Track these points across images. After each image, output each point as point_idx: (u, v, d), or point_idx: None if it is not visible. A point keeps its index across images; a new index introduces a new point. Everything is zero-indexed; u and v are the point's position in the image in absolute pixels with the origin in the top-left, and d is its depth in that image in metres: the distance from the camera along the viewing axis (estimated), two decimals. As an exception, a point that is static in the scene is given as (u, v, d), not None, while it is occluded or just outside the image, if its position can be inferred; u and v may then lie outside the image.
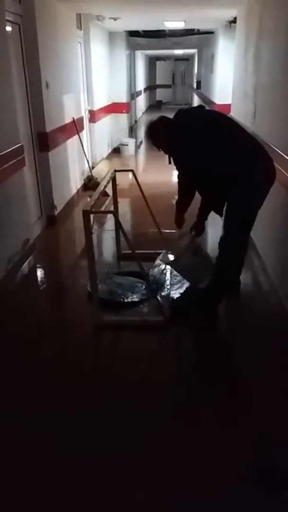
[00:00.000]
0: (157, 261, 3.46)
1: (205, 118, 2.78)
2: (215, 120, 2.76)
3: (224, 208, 2.75)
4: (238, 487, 1.75)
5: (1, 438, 2.01)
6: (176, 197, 2.94)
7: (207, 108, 3.14)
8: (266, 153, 2.63)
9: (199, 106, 2.91)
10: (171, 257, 3.21)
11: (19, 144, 3.65)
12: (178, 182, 2.90)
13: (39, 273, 3.87)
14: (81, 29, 6.49)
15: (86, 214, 2.59)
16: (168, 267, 3.40)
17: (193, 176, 2.74)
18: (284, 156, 2.88)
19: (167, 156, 2.83)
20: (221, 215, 2.82)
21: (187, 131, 2.68)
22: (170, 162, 2.82)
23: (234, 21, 6.20)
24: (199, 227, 3.08)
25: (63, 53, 5.13)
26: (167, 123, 2.82)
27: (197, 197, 2.90)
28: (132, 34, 9.24)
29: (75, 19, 5.94)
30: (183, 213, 3.02)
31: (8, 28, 3.63)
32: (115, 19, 6.67)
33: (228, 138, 2.62)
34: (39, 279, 3.76)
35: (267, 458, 1.88)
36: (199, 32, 8.81)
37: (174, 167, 2.82)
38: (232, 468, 1.83)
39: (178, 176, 2.88)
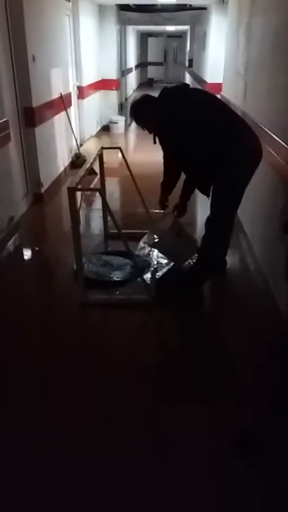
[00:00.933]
0: (141, 243, 3.46)
1: (189, 96, 2.76)
2: (199, 98, 2.74)
3: (211, 188, 2.74)
4: (219, 460, 1.78)
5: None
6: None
7: (191, 86, 3.09)
8: (250, 129, 2.62)
9: (183, 84, 2.88)
10: (155, 238, 3.20)
11: (4, 119, 3.56)
12: (164, 162, 2.87)
13: (25, 251, 3.83)
14: (69, 1, 6.29)
15: (71, 191, 2.55)
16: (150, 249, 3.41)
17: (179, 155, 2.72)
18: (273, 135, 2.85)
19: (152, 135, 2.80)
20: (207, 196, 2.81)
21: (171, 110, 2.64)
22: (155, 142, 2.78)
23: (227, -4, 6.06)
24: (182, 208, 3.07)
25: (50, 26, 4.98)
26: (151, 102, 2.78)
27: (182, 177, 2.88)
28: (123, 8, 9.01)
29: (63, -10, 5.76)
30: (168, 195, 3.01)
31: (-7, -3, 3.50)
32: (105, -9, 6.49)
33: (212, 116, 2.60)
34: (24, 257, 3.72)
35: (248, 431, 1.92)
36: (191, 8, 8.62)
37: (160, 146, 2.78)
38: (214, 442, 1.86)
39: (164, 156, 2.85)
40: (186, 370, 2.33)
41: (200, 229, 2.81)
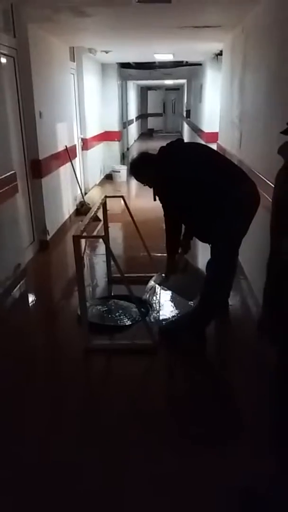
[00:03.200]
0: (151, 283, 3.52)
1: (185, 153, 2.86)
2: (195, 153, 2.86)
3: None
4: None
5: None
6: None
7: (185, 140, 3.23)
8: (248, 178, 2.73)
9: (178, 140, 2.96)
10: (163, 277, 3.27)
11: (12, 172, 3.74)
12: (164, 214, 2.91)
13: (30, 297, 3.90)
14: (74, 61, 6.72)
15: (76, 239, 2.65)
16: (160, 289, 3.46)
17: (178, 211, 2.82)
18: (268, 182, 2.99)
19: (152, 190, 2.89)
20: (208, 243, 2.89)
21: (168, 169, 2.75)
22: (155, 199, 2.89)
23: (220, 53, 6.47)
24: (186, 245, 3.14)
25: (56, 84, 5.31)
26: (149, 161, 2.89)
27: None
28: (124, 65, 9.55)
29: (68, 52, 6.17)
30: (175, 253, 3.02)
31: (3, 60, 3.78)
32: (106, 52, 6.93)
33: (208, 169, 2.70)
34: (30, 303, 3.79)
35: (256, 484, 1.89)
36: (187, 64, 9.12)
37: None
38: (220, 492, 1.84)
39: (163, 209, 2.89)
40: (193, 417, 2.31)
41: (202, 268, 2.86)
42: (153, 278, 3.53)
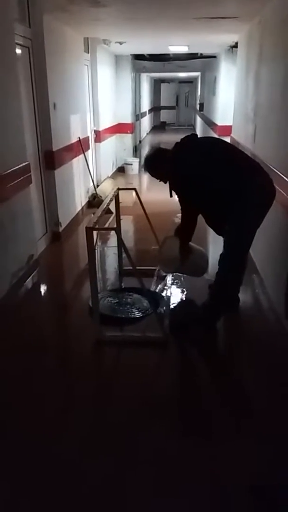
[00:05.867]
0: (155, 277, 3.53)
1: (201, 147, 2.85)
2: (211, 147, 2.83)
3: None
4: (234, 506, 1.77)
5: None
6: (178, 215, 2.99)
7: (200, 133, 3.23)
8: (263, 171, 2.72)
9: (192, 135, 2.95)
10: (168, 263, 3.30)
11: (26, 163, 3.76)
12: (182, 209, 2.93)
13: (42, 288, 3.93)
14: (88, 52, 6.70)
15: (88, 230, 2.66)
16: (169, 280, 3.47)
17: (195, 203, 2.82)
18: (283, 176, 2.96)
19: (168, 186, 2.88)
20: (222, 236, 2.88)
21: (184, 166, 2.75)
22: (171, 195, 2.89)
23: (235, 46, 6.40)
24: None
25: (70, 75, 5.30)
26: (164, 157, 2.88)
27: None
28: (138, 57, 9.50)
29: (82, 43, 6.15)
30: (188, 242, 3.06)
31: (18, 51, 3.78)
32: (121, 43, 6.89)
33: (225, 164, 2.69)
34: (42, 294, 3.82)
35: (266, 478, 1.89)
36: (202, 56, 9.04)
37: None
38: (229, 486, 1.84)
39: (181, 204, 2.90)
40: (200, 407, 2.33)
41: (214, 265, 2.86)
42: (156, 272, 3.56)
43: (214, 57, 9.00)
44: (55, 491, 1.83)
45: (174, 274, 3.67)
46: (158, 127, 20.22)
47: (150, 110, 18.09)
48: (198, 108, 14.99)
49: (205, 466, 1.93)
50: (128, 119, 9.71)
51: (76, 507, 1.76)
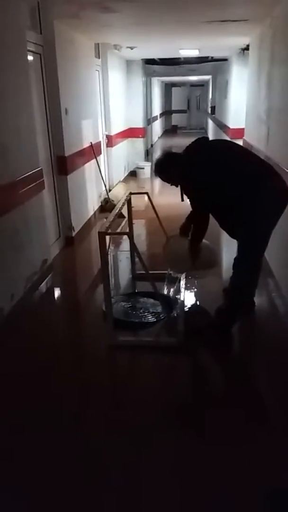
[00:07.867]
0: (166, 281, 3.51)
1: (212, 153, 2.80)
2: (222, 152, 2.80)
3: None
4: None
5: (12, 456, 2.04)
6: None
7: (211, 135, 3.20)
8: (277, 174, 2.68)
9: (204, 138, 2.91)
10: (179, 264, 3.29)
11: (39, 168, 3.78)
12: (193, 211, 2.91)
13: (56, 292, 3.94)
14: (99, 58, 6.74)
15: (101, 235, 2.66)
16: (182, 283, 3.45)
17: (208, 207, 2.79)
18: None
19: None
20: (236, 239, 2.85)
21: (196, 171, 2.72)
22: (182, 199, 2.86)
23: (247, 48, 6.37)
24: (188, 229, 3.09)
25: (82, 81, 5.34)
26: (176, 161, 2.86)
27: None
28: (148, 62, 9.53)
29: (93, 48, 6.19)
30: (199, 243, 3.01)
31: (30, 57, 3.82)
32: (131, 48, 6.92)
33: (237, 169, 2.65)
34: (56, 298, 3.83)
35: (282, 483, 1.86)
36: (213, 60, 9.03)
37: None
38: (245, 491, 1.82)
39: (192, 206, 2.87)
40: (217, 417, 2.29)
41: (228, 269, 2.83)
42: (166, 275, 3.54)
43: (226, 60, 8.99)
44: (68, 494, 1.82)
45: (185, 275, 3.65)
46: (170, 130, 20.24)
47: (162, 114, 18.12)
48: (209, 112, 14.97)
49: (221, 470, 1.91)
50: (139, 123, 9.74)
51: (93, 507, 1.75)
